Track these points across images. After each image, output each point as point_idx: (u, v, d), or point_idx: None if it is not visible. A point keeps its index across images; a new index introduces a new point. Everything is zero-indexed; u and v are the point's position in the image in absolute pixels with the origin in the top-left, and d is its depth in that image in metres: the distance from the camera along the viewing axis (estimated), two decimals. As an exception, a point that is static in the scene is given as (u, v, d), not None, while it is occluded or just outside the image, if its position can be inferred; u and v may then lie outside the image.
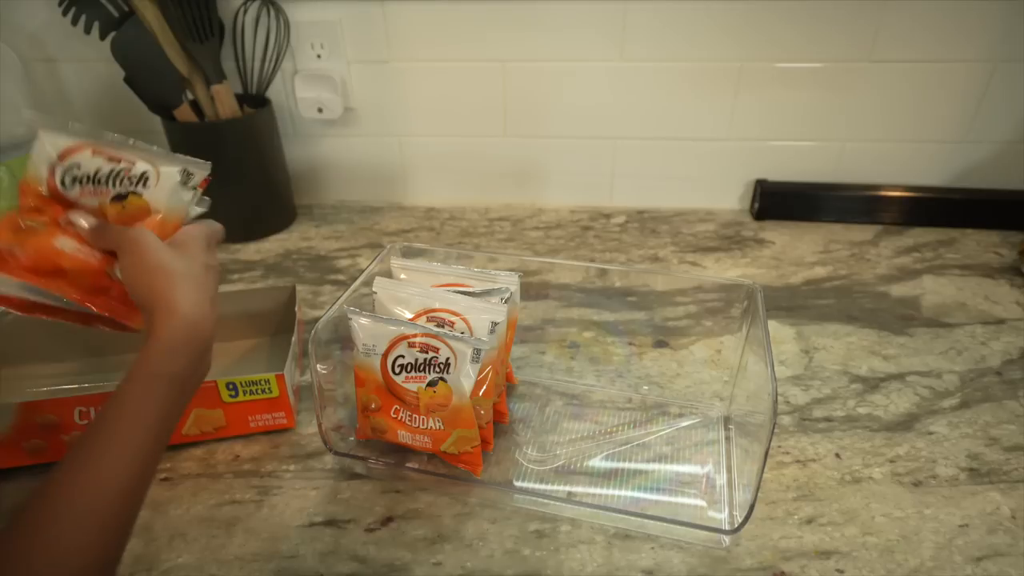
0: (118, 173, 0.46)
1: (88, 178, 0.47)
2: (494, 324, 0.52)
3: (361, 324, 0.51)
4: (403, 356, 0.50)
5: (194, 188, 0.50)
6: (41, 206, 0.46)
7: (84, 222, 0.46)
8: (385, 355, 0.51)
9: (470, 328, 0.51)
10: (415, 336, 0.49)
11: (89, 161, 0.47)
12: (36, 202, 0.46)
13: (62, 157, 0.47)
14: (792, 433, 0.59)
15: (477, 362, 0.49)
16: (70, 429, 0.54)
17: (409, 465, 0.55)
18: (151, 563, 0.48)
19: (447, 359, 0.49)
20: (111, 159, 0.47)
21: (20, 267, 0.45)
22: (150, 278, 0.42)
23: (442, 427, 0.51)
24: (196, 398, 0.55)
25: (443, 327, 0.51)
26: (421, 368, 0.50)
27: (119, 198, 0.47)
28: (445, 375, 0.50)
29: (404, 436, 0.53)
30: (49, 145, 0.47)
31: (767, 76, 0.88)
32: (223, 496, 0.53)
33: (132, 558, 0.48)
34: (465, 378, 0.50)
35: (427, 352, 0.50)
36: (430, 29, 0.88)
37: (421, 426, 0.52)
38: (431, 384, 0.50)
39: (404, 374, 0.51)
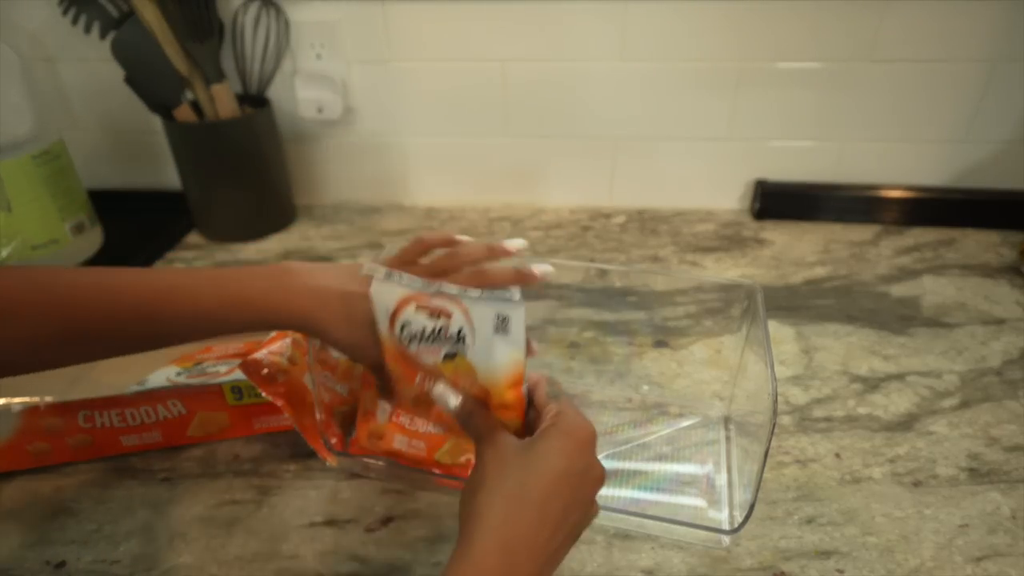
0: (440, 331, 0.42)
1: (419, 336, 0.43)
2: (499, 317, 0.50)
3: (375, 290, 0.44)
4: (410, 323, 0.43)
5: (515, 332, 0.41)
6: (397, 361, 0.45)
7: (452, 400, 0.42)
8: (393, 317, 0.44)
9: (470, 321, 0.41)
10: (425, 296, 0.42)
11: (414, 317, 0.42)
12: (393, 359, 0.45)
13: (395, 314, 0.43)
14: (792, 433, 0.59)
15: (506, 332, 0.41)
16: (74, 432, 0.55)
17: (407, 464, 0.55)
18: (151, 563, 0.48)
19: (459, 330, 0.42)
20: (432, 313, 0.42)
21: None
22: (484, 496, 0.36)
23: (442, 431, 0.50)
24: (200, 401, 0.56)
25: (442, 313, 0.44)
26: (429, 338, 0.43)
27: (448, 357, 0.42)
28: (461, 348, 0.42)
29: (400, 441, 0.52)
30: (386, 296, 0.43)
31: (767, 76, 0.88)
32: (223, 496, 0.53)
33: (132, 558, 0.48)
34: (493, 352, 0.41)
35: (437, 317, 0.42)
36: (430, 29, 0.88)
37: (420, 429, 0.51)
38: (448, 357, 0.43)
39: (416, 344, 0.43)
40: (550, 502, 0.35)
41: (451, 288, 0.41)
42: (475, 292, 0.41)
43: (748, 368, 0.57)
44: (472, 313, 0.41)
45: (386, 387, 0.47)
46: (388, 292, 0.43)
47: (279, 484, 0.55)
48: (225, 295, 0.41)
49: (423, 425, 0.51)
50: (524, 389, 0.43)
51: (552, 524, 0.35)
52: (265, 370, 0.53)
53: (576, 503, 0.36)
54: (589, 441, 0.38)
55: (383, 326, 0.44)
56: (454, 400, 0.42)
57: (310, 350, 0.51)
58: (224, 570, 0.47)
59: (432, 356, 0.43)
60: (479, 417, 0.40)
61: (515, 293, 0.40)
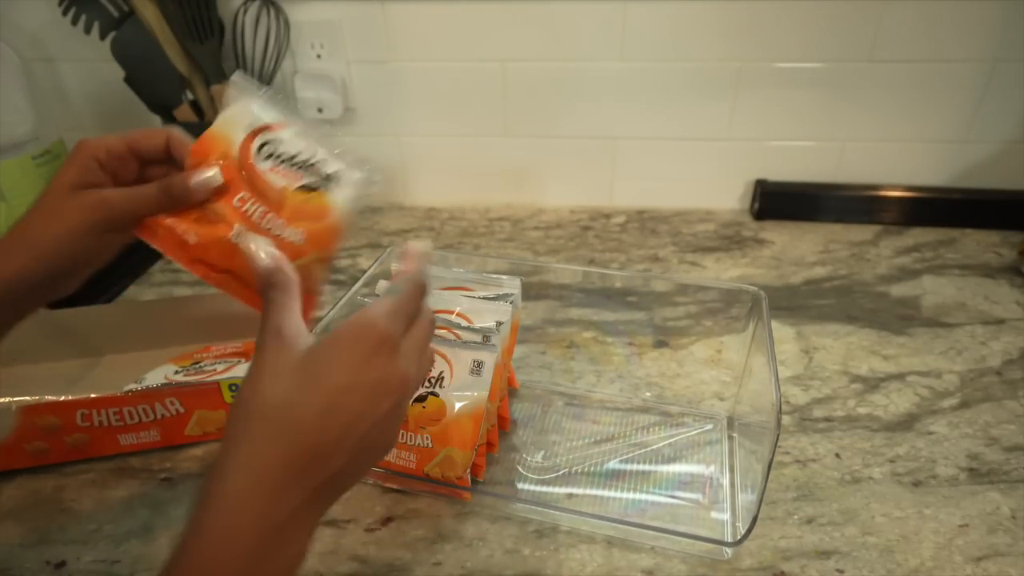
0: (312, 164, 0.41)
1: (283, 158, 0.41)
2: (499, 324, 0.51)
3: None
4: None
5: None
6: (224, 168, 0.40)
7: (262, 257, 0.36)
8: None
9: (466, 318, 0.46)
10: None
11: (291, 141, 0.41)
12: (220, 160, 0.40)
13: (268, 128, 0.41)
14: (792, 433, 0.59)
15: (479, 375, 0.45)
16: (72, 431, 0.54)
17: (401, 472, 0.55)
18: (151, 563, 0.48)
19: (440, 373, 0.44)
20: (310, 147, 0.42)
21: (190, 257, 0.41)
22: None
23: (431, 444, 0.49)
24: (199, 399, 0.56)
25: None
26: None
27: (305, 188, 0.40)
28: (437, 389, 0.45)
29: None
30: (258, 109, 0.41)
31: (767, 76, 0.88)
32: (223, 496, 0.53)
33: (132, 558, 0.48)
34: (461, 393, 0.45)
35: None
36: (430, 29, 0.88)
37: (408, 442, 0.50)
38: (419, 400, 0.46)
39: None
40: (328, 421, 0.31)
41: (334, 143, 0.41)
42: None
43: (750, 369, 0.57)
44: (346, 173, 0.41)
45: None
46: (266, 109, 0.41)
47: (279, 484, 0.54)
48: None
49: (413, 438, 0.50)
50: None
51: (328, 448, 0.30)
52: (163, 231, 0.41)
53: (363, 422, 0.31)
54: (380, 347, 0.32)
55: (236, 134, 0.41)
56: (264, 258, 0.35)
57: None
58: (224, 570, 0.47)
59: (286, 180, 0.40)
60: (282, 292, 0.34)
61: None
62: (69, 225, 0.38)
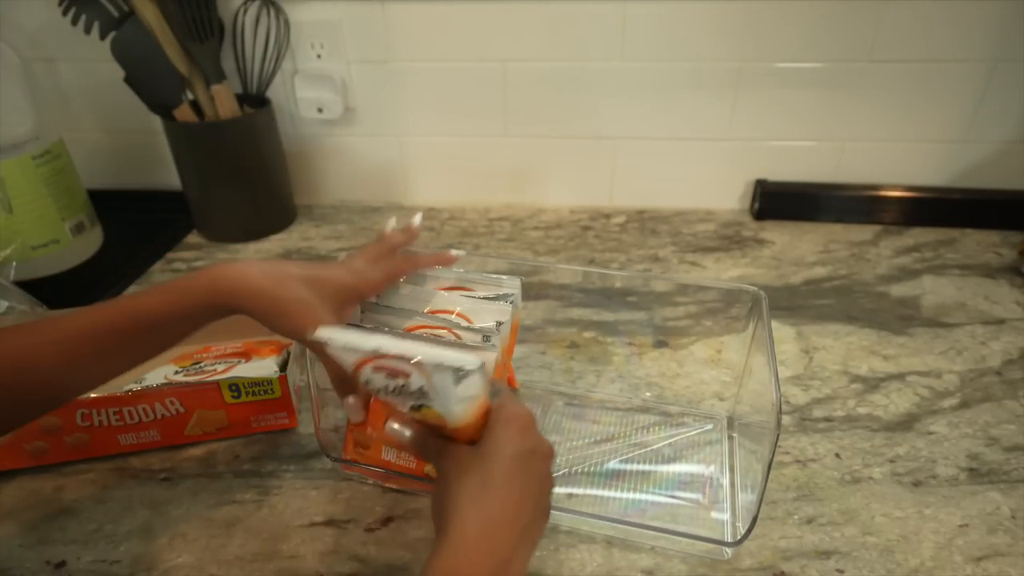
0: (401, 388, 0.43)
1: (383, 391, 0.43)
2: (499, 324, 0.51)
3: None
4: (371, 381, 0.44)
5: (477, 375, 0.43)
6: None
7: (405, 433, 0.45)
8: (355, 374, 0.44)
9: (431, 382, 0.42)
10: (381, 359, 0.42)
11: (373, 377, 0.43)
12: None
13: (354, 373, 0.43)
14: (792, 433, 0.59)
15: (467, 386, 0.44)
16: (72, 431, 0.54)
17: (401, 471, 0.54)
18: (151, 563, 0.48)
19: (420, 387, 0.42)
20: (390, 374, 0.43)
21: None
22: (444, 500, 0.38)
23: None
24: (199, 399, 0.56)
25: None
26: (392, 394, 0.44)
27: (415, 409, 0.44)
28: (426, 401, 0.43)
29: (388, 454, 0.51)
30: (345, 359, 0.44)
31: (767, 76, 0.88)
32: (223, 496, 0.53)
33: (132, 558, 0.48)
34: (456, 403, 0.43)
35: (395, 378, 0.43)
36: (430, 29, 0.88)
37: None
38: (415, 408, 0.44)
39: (384, 395, 0.44)
40: (511, 483, 0.38)
41: (405, 347, 0.41)
42: (431, 357, 0.40)
43: (750, 369, 0.57)
44: (432, 376, 0.41)
45: (337, 387, 0.48)
46: (344, 356, 0.43)
47: (279, 484, 0.54)
48: (165, 297, 0.43)
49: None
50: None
51: (517, 501, 0.37)
52: None
53: (533, 478, 0.39)
54: (529, 423, 0.41)
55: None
56: (406, 433, 0.44)
57: (309, 352, 0.51)
58: (224, 570, 0.47)
59: (400, 407, 0.44)
60: (431, 439, 0.43)
61: (471, 359, 0.41)
62: (301, 327, 0.44)
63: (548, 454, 0.41)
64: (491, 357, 0.48)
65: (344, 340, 0.41)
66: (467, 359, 0.41)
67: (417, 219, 0.56)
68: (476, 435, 0.46)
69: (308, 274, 0.45)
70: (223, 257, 0.89)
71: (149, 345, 0.44)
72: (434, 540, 0.37)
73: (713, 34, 0.85)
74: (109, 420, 0.55)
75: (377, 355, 0.42)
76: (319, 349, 0.44)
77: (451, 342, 0.49)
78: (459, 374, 0.41)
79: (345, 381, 0.47)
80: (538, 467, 0.40)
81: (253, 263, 0.45)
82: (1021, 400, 0.62)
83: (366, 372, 0.43)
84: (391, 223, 0.56)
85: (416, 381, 0.42)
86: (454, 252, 0.56)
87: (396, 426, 0.45)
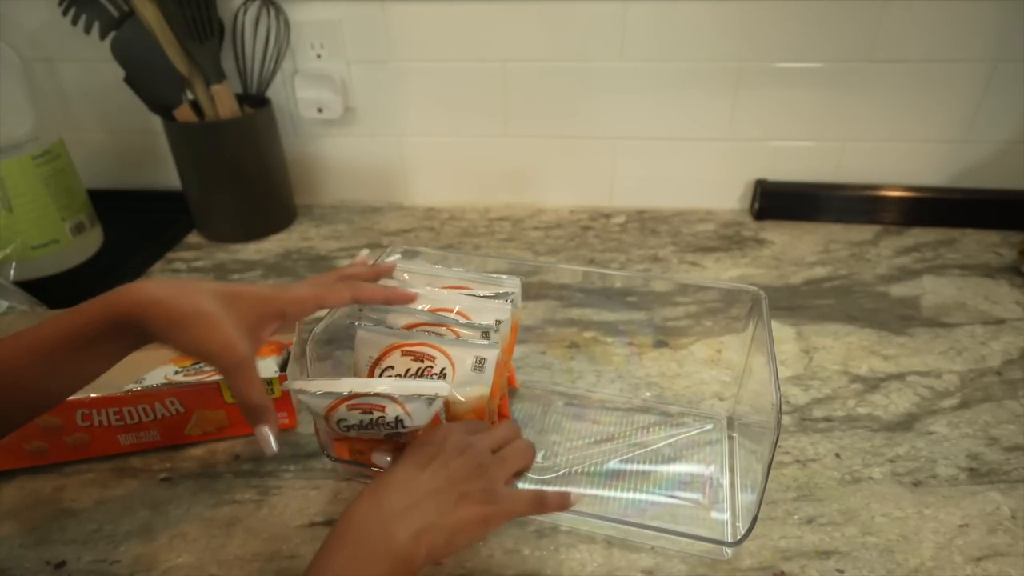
0: (377, 420, 0.46)
1: (357, 426, 0.47)
2: (498, 322, 0.52)
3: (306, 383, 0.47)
4: (345, 419, 0.46)
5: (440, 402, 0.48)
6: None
7: (387, 459, 0.49)
8: (327, 416, 0.47)
9: (407, 412, 0.46)
10: (355, 398, 0.46)
11: (348, 415, 0.46)
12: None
13: (327, 415, 0.47)
14: (792, 433, 0.59)
15: (482, 371, 0.47)
16: (72, 431, 0.54)
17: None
18: (151, 563, 0.48)
19: (396, 416, 0.46)
20: (365, 411, 0.46)
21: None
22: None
23: None
24: (199, 399, 0.56)
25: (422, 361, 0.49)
26: (367, 427, 0.46)
27: (390, 437, 0.48)
28: (400, 428, 0.46)
29: (381, 460, 0.51)
30: (315, 405, 0.47)
31: (767, 76, 0.88)
32: (223, 496, 0.53)
33: (132, 558, 0.48)
34: (463, 389, 0.48)
35: (371, 412, 0.46)
36: (430, 29, 0.88)
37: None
38: (390, 435, 0.48)
39: (353, 432, 0.47)
40: (413, 461, 0.43)
41: (377, 386, 0.46)
42: (405, 390, 0.46)
43: (750, 369, 0.57)
44: (406, 405, 0.46)
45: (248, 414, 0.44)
46: (316, 402, 0.46)
47: (279, 484, 0.54)
48: (61, 325, 0.40)
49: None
50: None
51: (417, 474, 0.42)
52: None
53: (435, 461, 0.43)
54: (435, 429, 0.46)
55: (320, 422, 0.50)
56: (387, 459, 0.49)
57: (309, 353, 0.51)
58: (224, 570, 0.47)
59: (375, 435, 0.48)
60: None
61: (441, 385, 0.47)
62: (210, 346, 0.41)
63: (461, 449, 0.44)
64: (492, 354, 0.48)
65: (318, 387, 0.45)
66: (438, 385, 0.47)
67: (363, 253, 0.57)
68: None
69: (219, 288, 0.43)
70: (223, 257, 0.89)
71: (58, 374, 0.41)
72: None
73: (713, 34, 0.85)
74: (109, 420, 0.55)
75: (352, 396, 0.45)
76: (232, 365, 0.41)
77: (409, 382, 0.49)
78: (432, 400, 0.46)
79: (255, 409, 0.42)
80: (452, 460, 0.43)
81: (161, 280, 0.44)
82: (1021, 400, 0.62)
83: (341, 411, 0.46)
84: (363, 253, 0.58)
85: (392, 412, 0.46)
86: (410, 291, 0.53)
87: (379, 457, 0.49)
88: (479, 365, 0.48)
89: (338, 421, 0.47)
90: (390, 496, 0.41)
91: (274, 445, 0.42)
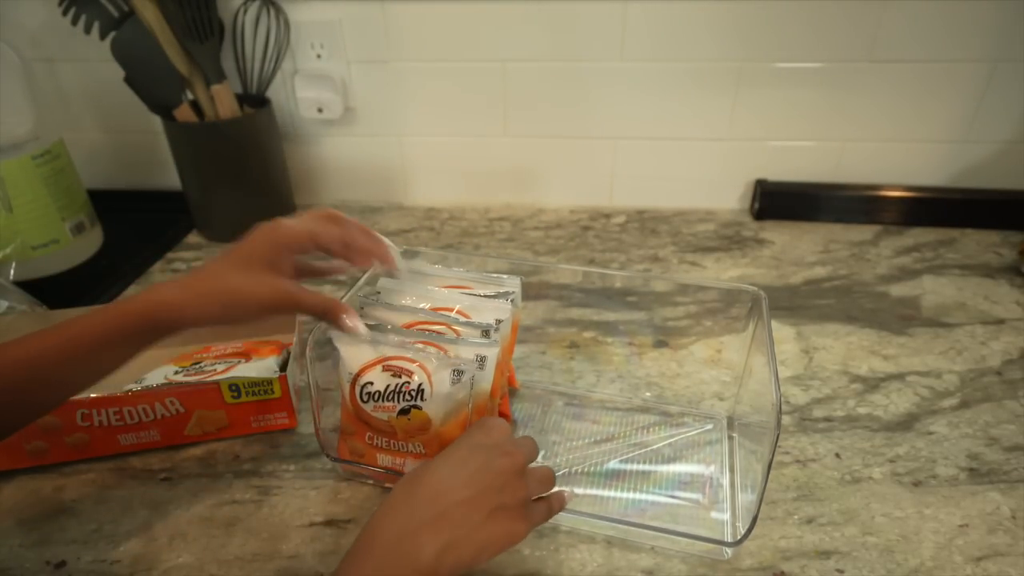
0: (400, 388, 0.47)
1: (379, 395, 0.48)
2: (499, 322, 0.52)
3: (345, 348, 0.49)
4: (372, 383, 0.48)
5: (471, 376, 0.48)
6: (350, 417, 0.51)
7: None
8: (354, 382, 0.49)
9: (430, 378, 0.48)
10: (389, 360, 0.48)
11: (379, 378, 0.48)
12: (348, 417, 0.52)
13: (359, 373, 0.48)
14: (792, 433, 0.59)
15: (459, 383, 0.47)
16: (72, 431, 0.54)
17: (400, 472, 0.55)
18: (151, 563, 0.48)
19: (420, 385, 0.47)
20: (396, 373, 0.47)
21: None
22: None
23: (423, 451, 0.49)
24: (199, 399, 0.56)
25: (425, 343, 0.49)
26: (390, 397, 0.48)
27: (403, 412, 0.48)
28: (419, 402, 0.47)
29: (384, 459, 0.51)
30: (350, 360, 0.49)
31: (767, 76, 0.88)
32: (223, 496, 0.53)
33: (132, 558, 0.48)
34: (444, 404, 0.47)
35: (399, 376, 0.48)
36: (430, 29, 0.88)
37: (401, 450, 0.50)
38: (403, 412, 0.48)
39: (372, 403, 0.49)
40: (454, 462, 0.41)
41: (414, 347, 0.48)
42: (435, 351, 0.47)
43: (750, 369, 0.57)
44: (433, 372, 0.47)
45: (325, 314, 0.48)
46: (354, 355, 0.48)
47: (279, 484, 0.54)
48: (94, 322, 0.42)
49: (404, 446, 0.50)
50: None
51: (463, 482, 0.39)
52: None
53: (485, 469, 0.40)
54: (497, 425, 0.44)
55: (345, 387, 0.50)
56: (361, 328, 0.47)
57: (308, 353, 0.51)
58: (224, 570, 0.47)
59: (387, 412, 0.48)
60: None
61: (468, 363, 0.47)
62: (263, 301, 0.45)
63: (508, 452, 0.42)
64: (493, 352, 0.48)
65: (367, 334, 0.48)
66: (465, 360, 0.47)
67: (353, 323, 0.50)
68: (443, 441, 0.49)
69: (230, 260, 0.46)
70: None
71: (85, 371, 0.43)
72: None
73: (713, 34, 0.85)
74: (109, 420, 0.55)
75: (387, 357, 0.47)
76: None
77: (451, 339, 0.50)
78: (456, 372, 0.46)
79: (330, 308, 0.47)
80: (494, 462, 0.41)
81: (183, 283, 0.45)
82: (1021, 400, 0.62)
83: (375, 372, 0.47)
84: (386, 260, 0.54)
85: (417, 379, 0.46)
86: (348, 323, 0.49)
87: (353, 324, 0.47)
88: (479, 363, 0.48)
89: (363, 386, 0.48)
90: (421, 503, 0.39)
91: (361, 328, 0.47)
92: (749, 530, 0.45)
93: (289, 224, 0.49)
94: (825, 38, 0.85)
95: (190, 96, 0.86)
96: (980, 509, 0.51)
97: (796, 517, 0.51)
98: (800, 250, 0.88)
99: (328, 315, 0.47)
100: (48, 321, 0.63)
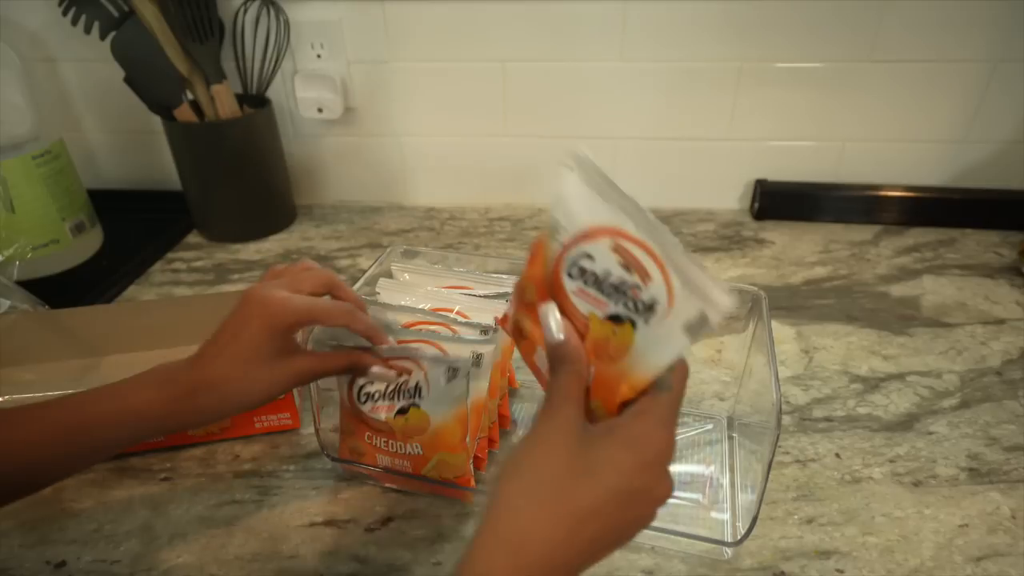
0: (400, 387, 0.43)
1: (378, 395, 0.43)
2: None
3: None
4: (371, 382, 0.48)
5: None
6: (535, 281, 0.37)
7: (555, 332, 0.36)
8: (352, 382, 0.49)
9: (427, 376, 0.47)
10: (388, 359, 0.47)
11: (381, 374, 0.43)
12: (347, 415, 0.49)
13: (584, 237, 0.35)
14: (792, 433, 0.59)
15: (479, 367, 0.47)
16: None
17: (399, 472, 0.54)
18: (151, 563, 0.48)
19: (417, 384, 0.47)
20: (398, 372, 0.43)
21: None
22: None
23: (421, 452, 0.49)
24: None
25: (421, 341, 0.48)
26: (389, 396, 0.48)
27: (401, 412, 0.44)
28: (416, 399, 0.47)
29: (383, 460, 0.51)
30: (587, 212, 0.36)
31: (767, 76, 0.88)
32: (223, 496, 0.53)
33: (132, 558, 0.48)
34: (441, 402, 0.47)
35: (400, 375, 0.47)
36: (430, 29, 0.88)
37: (400, 451, 0.50)
38: (401, 412, 0.48)
39: (371, 403, 0.48)
40: (586, 523, 0.31)
41: (409, 348, 0.46)
42: (429, 352, 0.46)
43: (750, 369, 0.57)
44: (428, 370, 0.46)
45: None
46: (596, 208, 0.39)
47: (279, 484, 0.54)
48: (110, 409, 0.41)
49: (403, 447, 0.50)
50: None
51: (582, 544, 0.31)
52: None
53: (621, 525, 0.32)
54: (657, 460, 0.33)
55: (342, 390, 0.49)
56: (557, 333, 0.35)
57: (308, 345, 0.51)
58: (224, 570, 0.47)
59: (385, 412, 0.48)
60: (568, 375, 0.34)
61: (464, 361, 0.45)
62: (288, 386, 0.44)
63: (660, 498, 0.33)
64: (489, 350, 0.48)
65: (394, 376, 0.47)
66: (460, 358, 0.46)
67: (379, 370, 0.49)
68: (453, 440, 0.48)
69: (237, 353, 0.43)
70: (223, 257, 0.89)
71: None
72: (478, 527, 0.31)
73: (713, 34, 0.85)
74: (109, 420, 0.55)
75: (386, 356, 0.47)
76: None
77: (449, 337, 0.49)
78: (451, 370, 0.45)
79: (355, 363, 0.46)
80: (636, 511, 0.32)
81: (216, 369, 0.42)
82: (1021, 400, 0.62)
83: (376, 370, 0.47)
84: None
85: (415, 377, 0.46)
86: (376, 369, 0.47)
87: (551, 313, 0.35)
88: (476, 361, 0.47)
89: (362, 386, 0.48)
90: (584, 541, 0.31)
91: (391, 374, 0.46)
92: (749, 530, 0.45)
93: (281, 303, 0.43)
94: (825, 38, 0.85)
95: (190, 96, 0.86)
96: (980, 509, 0.51)
97: (796, 517, 0.51)
98: (800, 250, 0.88)
99: (355, 369, 0.47)
100: (48, 321, 0.63)
